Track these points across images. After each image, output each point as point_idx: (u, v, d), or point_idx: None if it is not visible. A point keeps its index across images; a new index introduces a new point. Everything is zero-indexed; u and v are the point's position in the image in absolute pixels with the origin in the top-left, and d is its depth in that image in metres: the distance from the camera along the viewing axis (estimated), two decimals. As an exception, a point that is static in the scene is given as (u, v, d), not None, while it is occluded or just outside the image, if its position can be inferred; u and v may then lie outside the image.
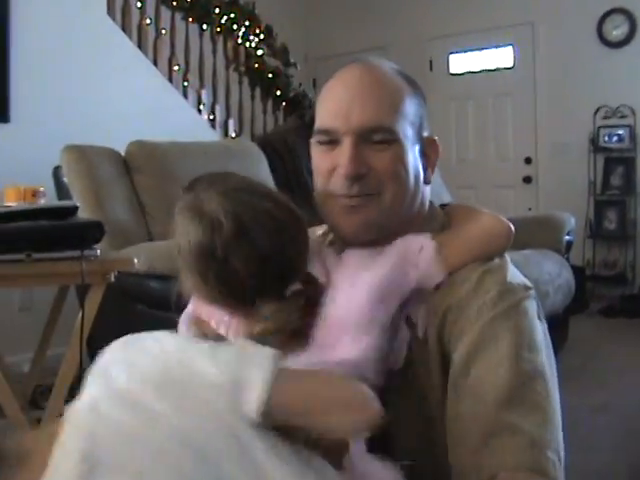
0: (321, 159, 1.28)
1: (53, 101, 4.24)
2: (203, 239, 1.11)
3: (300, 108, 5.52)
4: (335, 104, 1.26)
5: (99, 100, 4.42)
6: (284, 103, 5.70)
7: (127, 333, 2.96)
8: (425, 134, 1.33)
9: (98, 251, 1.92)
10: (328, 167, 1.27)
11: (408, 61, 5.90)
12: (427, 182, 1.34)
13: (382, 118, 1.25)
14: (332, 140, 1.26)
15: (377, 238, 1.26)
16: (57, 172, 3.21)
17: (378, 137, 1.25)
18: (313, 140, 1.30)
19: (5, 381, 2.02)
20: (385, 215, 1.27)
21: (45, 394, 3.53)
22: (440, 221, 1.36)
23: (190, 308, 1.29)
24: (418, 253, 1.21)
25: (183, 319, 1.33)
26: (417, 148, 1.30)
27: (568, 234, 4.47)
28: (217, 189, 1.13)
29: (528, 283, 1.28)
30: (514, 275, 1.27)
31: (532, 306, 1.25)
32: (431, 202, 1.37)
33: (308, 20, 7.66)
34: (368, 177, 1.25)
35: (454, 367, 1.20)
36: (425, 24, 7.02)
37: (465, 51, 6.97)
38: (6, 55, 4.11)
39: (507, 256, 1.30)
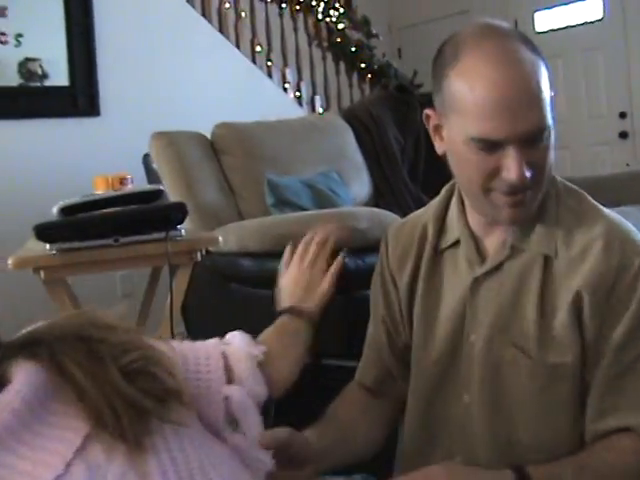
0: (479, 160, 1.25)
1: (140, 92, 4.33)
2: None
3: (385, 79, 5.47)
4: (493, 111, 1.20)
5: (184, 87, 4.49)
6: (369, 75, 5.65)
7: (223, 312, 3.01)
8: None
9: (183, 231, 1.95)
10: (488, 169, 1.24)
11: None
12: None
13: (542, 118, 1.23)
14: (493, 145, 1.22)
15: None
16: (147, 159, 3.27)
17: (541, 137, 1.23)
18: (462, 138, 1.25)
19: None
20: (539, 199, 1.30)
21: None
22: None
23: None
24: None
25: None
26: None
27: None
28: None
29: None
30: None
31: None
32: None
33: (389, -11, 7.57)
34: (531, 175, 1.24)
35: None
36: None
37: (551, 7, 6.76)
38: (92, 53, 4.23)
39: None
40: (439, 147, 1.34)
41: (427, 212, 1.50)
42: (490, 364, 1.31)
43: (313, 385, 1.62)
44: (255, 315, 2.83)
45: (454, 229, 1.40)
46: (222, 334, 3.05)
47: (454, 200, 1.43)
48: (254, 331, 2.83)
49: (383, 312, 1.53)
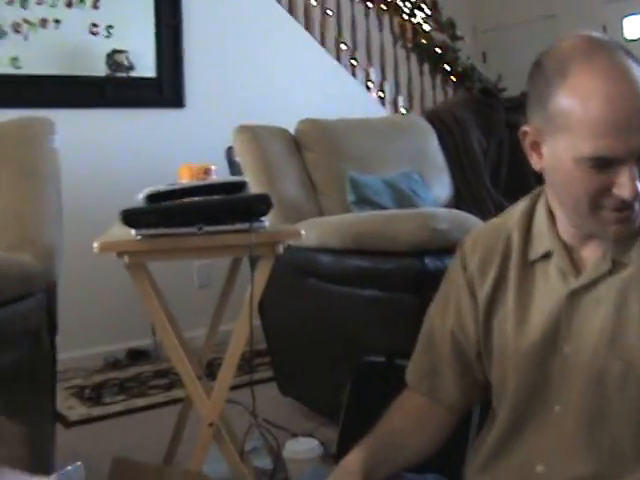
0: (588, 179, 1.21)
1: (224, 85, 4.38)
2: None
3: (469, 82, 5.43)
4: (609, 129, 1.17)
5: (268, 82, 4.52)
6: (453, 78, 5.62)
7: (298, 306, 3.03)
8: None
9: (266, 223, 1.96)
10: (598, 186, 1.21)
11: (580, 28, 5.64)
12: None
13: None
14: (606, 163, 1.19)
15: None
16: (229, 152, 3.30)
17: None
18: (572, 157, 1.21)
19: (183, 353, 2.10)
20: None
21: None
22: None
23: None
24: None
25: None
26: None
27: None
28: None
29: None
30: None
31: None
32: None
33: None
34: None
35: None
36: (599, -12, 6.69)
37: (641, 13, 6.58)
38: (179, 46, 4.30)
39: None
40: (536, 164, 1.31)
41: (509, 220, 1.46)
42: (592, 377, 1.28)
43: (385, 385, 1.60)
44: (331, 311, 2.85)
45: (544, 240, 1.37)
46: (296, 328, 3.08)
47: (541, 210, 1.39)
48: (328, 325, 2.85)
49: (452, 321, 1.48)
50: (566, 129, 1.21)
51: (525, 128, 1.30)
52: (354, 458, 1.41)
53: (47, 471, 1.48)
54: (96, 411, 3.39)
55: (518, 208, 1.45)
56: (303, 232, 2.01)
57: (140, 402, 3.50)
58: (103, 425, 3.25)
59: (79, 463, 1.53)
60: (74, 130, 3.63)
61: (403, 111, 5.39)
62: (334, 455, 2.25)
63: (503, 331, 1.40)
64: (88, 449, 2.88)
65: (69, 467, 1.50)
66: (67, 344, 2.80)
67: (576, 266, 1.33)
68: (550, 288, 1.35)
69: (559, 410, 1.32)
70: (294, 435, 2.76)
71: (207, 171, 2.29)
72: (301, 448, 2.34)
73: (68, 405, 3.45)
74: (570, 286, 1.32)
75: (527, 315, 1.37)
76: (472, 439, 1.70)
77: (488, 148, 3.84)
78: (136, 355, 4.13)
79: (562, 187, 1.28)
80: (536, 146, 1.29)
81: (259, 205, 1.93)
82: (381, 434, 1.47)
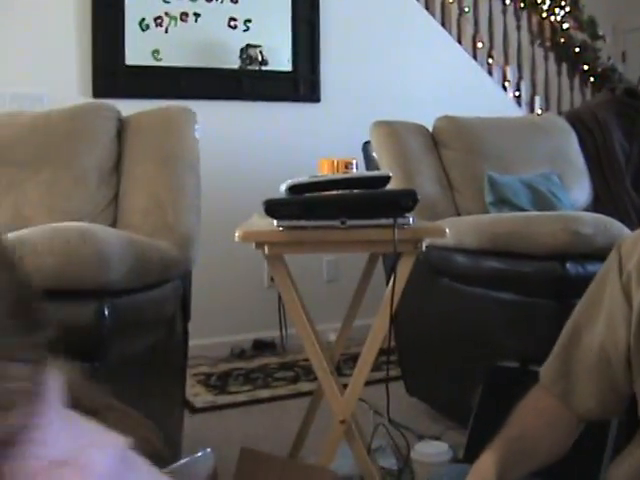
0: None
1: (359, 81, 4.38)
2: None
3: (609, 83, 5.24)
4: None
5: (404, 78, 4.49)
6: (592, 78, 5.44)
7: (431, 305, 2.98)
8: None
9: (411, 219, 1.92)
10: None
11: None
12: None
13: None
14: None
15: None
16: (366, 147, 3.29)
17: None
18: None
19: (318, 347, 2.08)
20: None
21: (348, 362, 3.67)
22: None
23: None
24: None
25: None
26: None
27: None
28: None
29: None
30: None
31: None
32: None
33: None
34: None
35: None
36: None
37: None
38: (316, 41, 4.32)
39: None
40: None
41: None
42: None
43: (518, 391, 1.55)
44: (464, 312, 2.80)
45: None
46: (426, 327, 3.03)
47: None
48: (459, 326, 2.79)
49: (601, 329, 1.40)
50: None
51: None
52: (487, 462, 1.35)
53: (175, 456, 1.48)
54: (221, 399, 3.43)
55: None
56: (448, 230, 1.96)
57: (265, 393, 3.52)
58: (228, 413, 3.29)
59: (209, 450, 1.53)
60: (212, 121, 3.69)
61: (539, 112, 5.26)
62: (462, 460, 2.21)
63: None
64: (213, 436, 2.92)
65: (199, 453, 1.50)
66: (195, 332, 2.83)
67: None
68: None
69: None
70: (420, 437, 2.72)
71: (348, 165, 2.28)
72: (431, 451, 2.30)
73: (194, 392, 3.51)
74: None
75: None
76: (609, 454, 1.63)
77: (631, 151, 3.70)
78: (262, 346, 4.17)
79: None
80: None
81: (405, 200, 1.89)
82: (512, 436, 1.41)
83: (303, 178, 2.01)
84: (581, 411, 1.44)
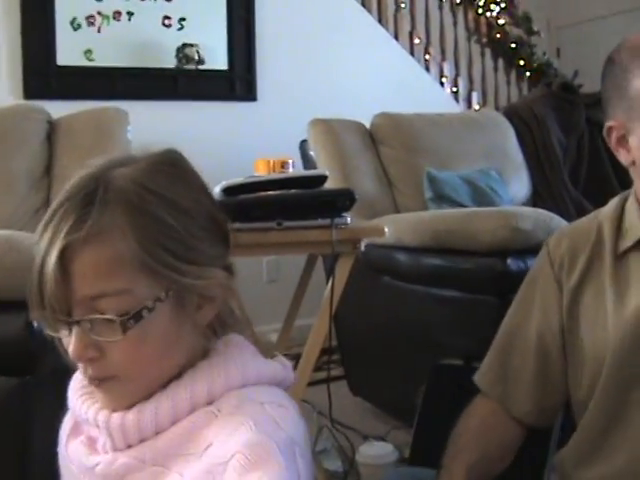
0: None
1: (296, 79, 4.35)
2: None
3: (545, 78, 5.28)
4: None
5: (341, 75, 4.47)
6: (528, 74, 5.49)
7: (372, 304, 2.96)
8: None
9: (349, 219, 1.89)
10: None
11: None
12: None
13: None
14: None
15: None
16: (303, 145, 3.25)
17: None
18: None
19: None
20: None
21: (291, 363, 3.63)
22: None
23: None
24: None
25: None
26: None
27: None
28: None
29: None
30: None
31: None
32: None
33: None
34: None
35: None
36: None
37: None
38: (252, 39, 4.28)
39: None
40: (626, 159, 1.30)
41: (599, 216, 1.43)
42: None
43: (462, 389, 1.53)
44: (406, 311, 2.78)
45: (636, 229, 1.33)
46: (369, 326, 3.01)
47: (632, 206, 1.36)
48: (402, 324, 2.77)
49: (537, 317, 1.43)
50: None
51: (609, 124, 1.30)
52: None
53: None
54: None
55: (608, 207, 1.43)
56: (387, 229, 1.93)
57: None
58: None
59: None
60: (146, 122, 3.60)
61: (477, 107, 5.29)
62: (408, 460, 2.19)
63: (591, 319, 1.37)
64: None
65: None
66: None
67: None
68: None
69: None
70: (365, 438, 2.70)
71: (284, 164, 2.24)
72: (376, 453, 2.28)
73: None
74: None
75: (625, 301, 1.32)
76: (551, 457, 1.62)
77: (568, 145, 3.72)
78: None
79: None
80: (623, 140, 1.29)
81: (343, 200, 1.86)
82: (472, 463, 1.40)
83: (238, 179, 1.97)
84: (520, 415, 1.45)
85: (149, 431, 0.93)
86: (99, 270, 0.88)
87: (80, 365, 0.96)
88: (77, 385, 1.06)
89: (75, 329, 0.91)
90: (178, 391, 0.93)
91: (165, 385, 0.95)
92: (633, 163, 1.28)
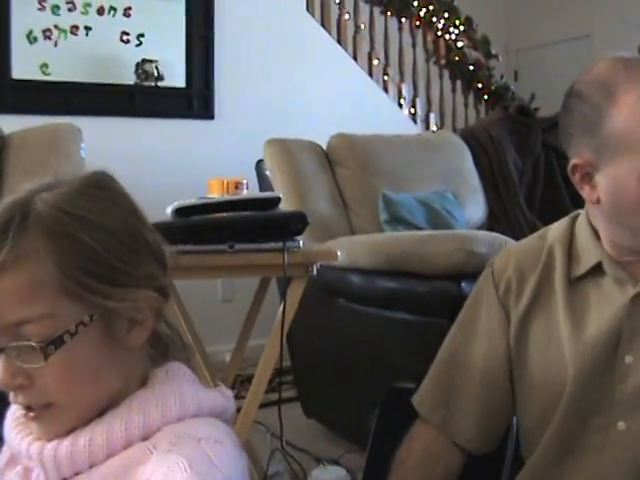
0: None
1: (254, 98, 4.33)
2: None
3: (502, 101, 5.33)
4: None
5: (299, 95, 4.47)
6: (486, 96, 5.53)
7: (326, 326, 2.94)
8: None
9: (301, 242, 1.87)
10: None
11: (615, 51, 5.55)
12: None
13: None
14: None
15: None
16: (259, 165, 3.23)
17: None
18: (638, 175, 1.21)
19: (205, 369, 2.02)
20: None
21: (245, 384, 3.59)
22: None
23: None
24: None
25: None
26: None
27: None
28: None
29: None
30: None
31: None
32: None
33: (508, 10, 7.41)
34: None
35: None
36: (634, 9, 6.58)
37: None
38: (210, 57, 4.27)
39: None
40: (591, 195, 1.28)
41: (549, 236, 1.41)
42: None
43: (415, 412, 1.52)
44: (360, 333, 2.76)
45: (590, 254, 1.32)
46: (323, 348, 2.99)
47: (583, 230, 1.35)
48: (356, 347, 2.76)
49: (482, 343, 1.41)
50: (627, 149, 1.20)
51: (575, 161, 1.27)
52: None
53: None
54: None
55: (557, 227, 1.42)
56: (340, 253, 1.92)
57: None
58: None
59: None
60: (101, 139, 3.57)
61: (434, 128, 5.32)
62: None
63: (542, 344, 1.35)
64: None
65: None
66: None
67: (633, 275, 1.29)
68: (605, 298, 1.31)
69: (622, 427, 1.25)
70: (318, 460, 2.67)
71: (238, 185, 2.21)
72: (328, 477, 2.26)
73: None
74: (630, 293, 1.27)
75: (583, 327, 1.31)
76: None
77: (524, 168, 3.76)
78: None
79: (631, 210, 1.23)
80: (588, 178, 1.27)
81: (295, 223, 1.85)
82: None
83: (190, 200, 1.95)
84: (463, 442, 1.43)
85: (83, 464, 0.91)
86: (19, 296, 0.88)
87: (11, 393, 0.95)
88: (12, 416, 1.03)
89: (2, 357, 0.90)
90: (113, 423, 0.92)
91: (102, 412, 0.93)
92: (598, 201, 1.26)
